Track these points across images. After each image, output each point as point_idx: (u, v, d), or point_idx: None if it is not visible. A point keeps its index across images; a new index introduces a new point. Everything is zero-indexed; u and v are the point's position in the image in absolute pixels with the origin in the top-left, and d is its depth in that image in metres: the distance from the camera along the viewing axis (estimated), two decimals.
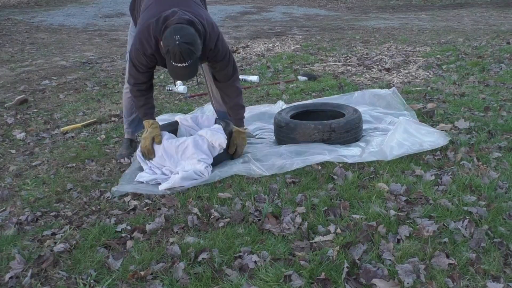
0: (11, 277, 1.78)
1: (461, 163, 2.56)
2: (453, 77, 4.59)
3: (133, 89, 2.64)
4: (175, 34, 2.25)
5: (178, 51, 2.25)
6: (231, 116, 2.86)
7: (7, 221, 2.21)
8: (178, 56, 2.26)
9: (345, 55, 6.15)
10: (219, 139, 2.60)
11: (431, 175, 2.41)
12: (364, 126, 3.10)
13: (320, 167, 2.59)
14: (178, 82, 4.65)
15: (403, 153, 2.65)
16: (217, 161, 2.65)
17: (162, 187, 2.43)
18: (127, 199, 2.39)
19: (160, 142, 2.61)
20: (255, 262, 1.78)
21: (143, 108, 2.67)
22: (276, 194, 2.34)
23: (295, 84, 4.70)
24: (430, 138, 2.79)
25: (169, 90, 4.75)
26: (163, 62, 2.48)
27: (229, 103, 2.80)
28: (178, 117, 3.02)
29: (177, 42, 2.23)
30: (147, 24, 2.42)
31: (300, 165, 2.58)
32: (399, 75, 4.95)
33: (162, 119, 3.39)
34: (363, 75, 5.05)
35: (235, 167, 2.60)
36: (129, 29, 2.92)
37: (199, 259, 1.82)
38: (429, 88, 4.24)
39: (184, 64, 2.29)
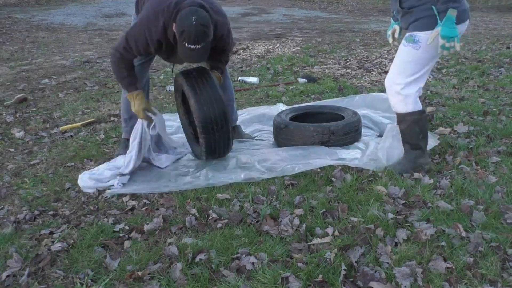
0: (8, 276, 1.78)
1: (459, 167, 2.56)
2: (452, 81, 4.60)
3: (118, 60, 2.57)
4: (192, 15, 2.28)
5: (193, 32, 2.27)
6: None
7: (5, 220, 2.21)
8: (193, 37, 2.28)
9: (345, 58, 6.16)
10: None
11: (430, 179, 2.41)
12: (363, 129, 3.10)
13: (319, 169, 2.59)
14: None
15: (397, 156, 2.63)
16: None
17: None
18: (125, 199, 2.39)
19: (152, 111, 2.66)
20: (253, 263, 1.78)
21: (126, 79, 2.62)
22: (275, 196, 2.34)
23: (294, 86, 4.70)
24: None
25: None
26: (168, 48, 2.50)
27: (211, 62, 2.82)
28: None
29: (193, 23, 2.26)
30: (156, 10, 2.42)
31: (302, 169, 2.58)
32: None
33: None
34: (363, 78, 5.06)
35: (236, 175, 2.55)
36: None
37: (197, 260, 1.82)
38: (428, 91, 4.24)
39: (197, 46, 2.31)
